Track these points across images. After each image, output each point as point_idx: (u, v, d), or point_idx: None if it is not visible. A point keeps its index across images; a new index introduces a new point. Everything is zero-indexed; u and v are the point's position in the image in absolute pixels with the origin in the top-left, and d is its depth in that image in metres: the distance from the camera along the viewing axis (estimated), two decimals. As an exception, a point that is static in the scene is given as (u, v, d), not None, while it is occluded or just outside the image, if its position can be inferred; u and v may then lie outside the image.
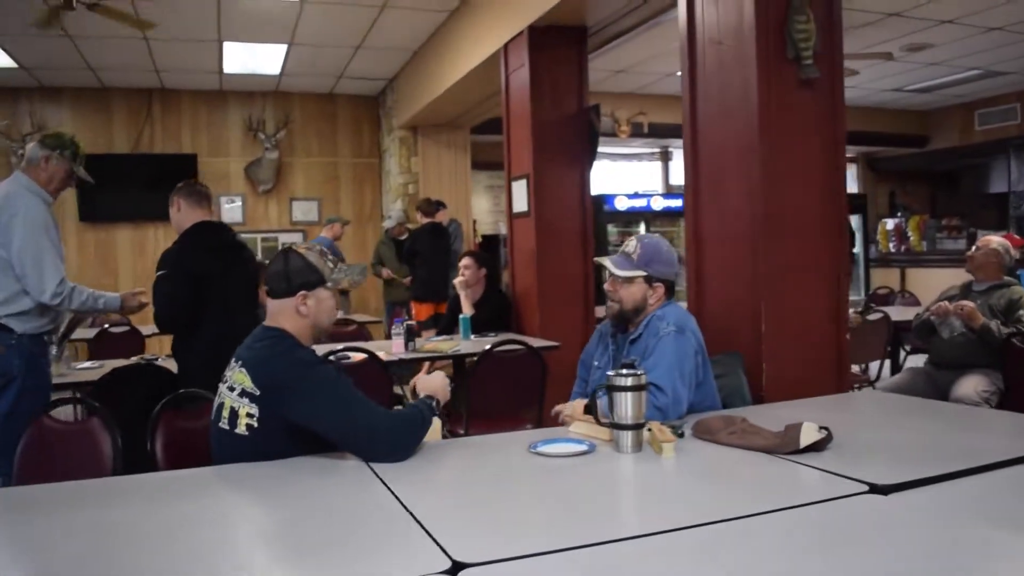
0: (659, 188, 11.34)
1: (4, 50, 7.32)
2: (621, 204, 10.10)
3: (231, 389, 2.29)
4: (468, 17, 6.46)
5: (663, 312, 2.73)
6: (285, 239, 9.38)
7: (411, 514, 1.71)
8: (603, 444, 2.29)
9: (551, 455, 2.22)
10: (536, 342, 4.50)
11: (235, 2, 6.33)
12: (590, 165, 5.45)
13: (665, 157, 11.42)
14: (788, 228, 3.21)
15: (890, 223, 11.43)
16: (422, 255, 7.41)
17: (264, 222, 9.40)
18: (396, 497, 1.84)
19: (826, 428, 2.15)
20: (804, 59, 3.18)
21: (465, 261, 5.64)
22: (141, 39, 7.13)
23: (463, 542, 1.52)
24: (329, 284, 2.39)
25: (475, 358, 4.19)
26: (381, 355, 4.65)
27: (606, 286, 2.81)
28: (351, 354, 3.93)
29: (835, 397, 3.04)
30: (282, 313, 2.37)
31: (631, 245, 2.78)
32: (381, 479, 2.01)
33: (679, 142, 10.53)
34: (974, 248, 4.58)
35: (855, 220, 11.35)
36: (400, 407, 2.59)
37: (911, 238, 11.03)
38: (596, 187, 10.57)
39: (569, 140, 5.36)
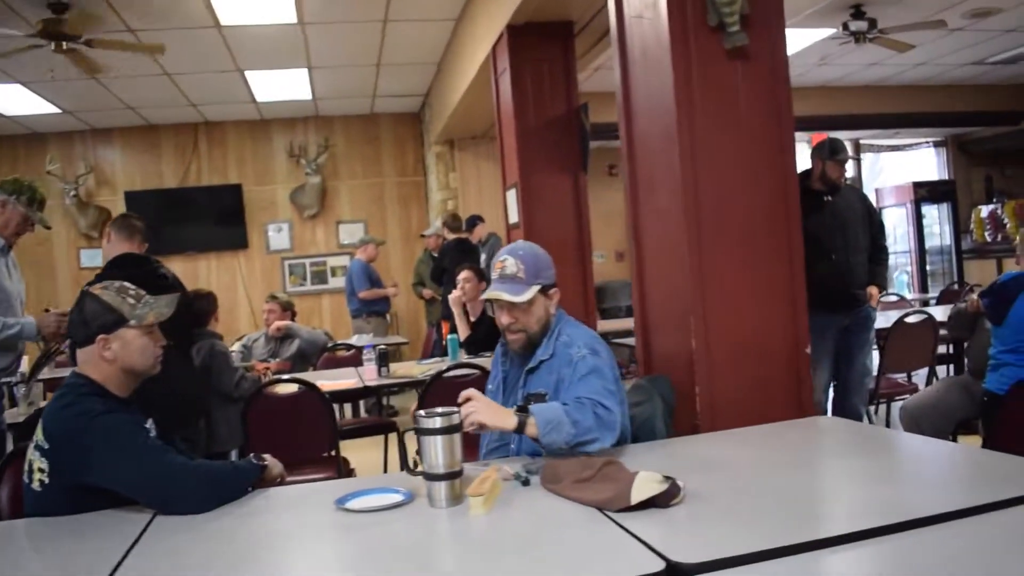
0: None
1: (41, 96, 7.56)
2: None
3: (33, 441, 2.11)
4: (467, 25, 6.21)
5: (568, 335, 2.40)
6: (333, 263, 9.36)
7: None
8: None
9: (355, 511, 1.91)
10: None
11: (238, 31, 6.28)
12: (584, 169, 5.07)
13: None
14: (725, 227, 2.78)
15: (985, 210, 10.42)
16: (450, 272, 7.17)
17: (312, 247, 9.41)
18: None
19: (671, 479, 1.75)
20: (729, 25, 2.74)
21: (464, 274, 5.36)
22: (163, 75, 7.24)
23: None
24: (132, 322, 2.17)
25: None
26: (349, 383, 4.45)
27: (502, 319, 2.47)
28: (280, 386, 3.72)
29: (777, 426, 2.55)
30: (88, 362, 2.17)
31: (510, 264, 2.41)
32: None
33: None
34: (1031, 234, 3.98)
35: (943, 209, 10.44)
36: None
37: (1007, 225, 10.00)
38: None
39: (558, 144, 5.00)
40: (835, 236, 4.53)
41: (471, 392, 2.14)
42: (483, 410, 2.10)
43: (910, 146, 11.49)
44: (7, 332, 3.46)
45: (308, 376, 4.58)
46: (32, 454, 2.08)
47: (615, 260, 10.11)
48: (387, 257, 9.30)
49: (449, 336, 4.93)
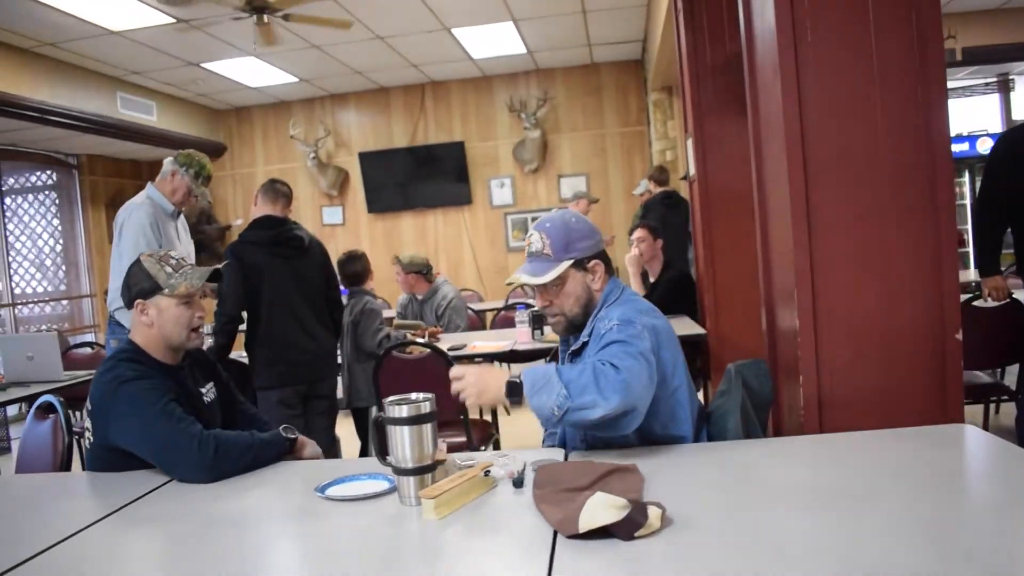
0: (997, 126, 9.16)
1: (277, 67, 8.14)
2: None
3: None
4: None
5: (606, 312, 2.09)
6: (556, 217, 9.28)
7: None
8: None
9: (335, 498, 1.78)
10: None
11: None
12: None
13: (1005, 87, 9.17)
14: (843, 181, 2.25)
15: None
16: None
17: (533, 201, 9.38)
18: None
19: (637, 503, 1.43)
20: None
21: (639, 233, 5.04)
22: (377, 39, 7.48)
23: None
24: (165, 291, 2.19)
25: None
26: (499, 346, 4.34)
27: (537, 304, 2.23)
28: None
29: (902, 432, 2.00)
30: (134, 326, 2.26)
31: (535, 240, 2.15)
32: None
33: (1021, 66, 8.53)
34: None
35: None
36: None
37: None
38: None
39: (735, 87, 4.45)
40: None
41: (460, 369, 1.91)
42: (472, 387, 1.88)
43: None
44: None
45: (461, 337, 4.53)
46: (87, 416, 2.19)
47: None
48: (608, 211, 9.06)
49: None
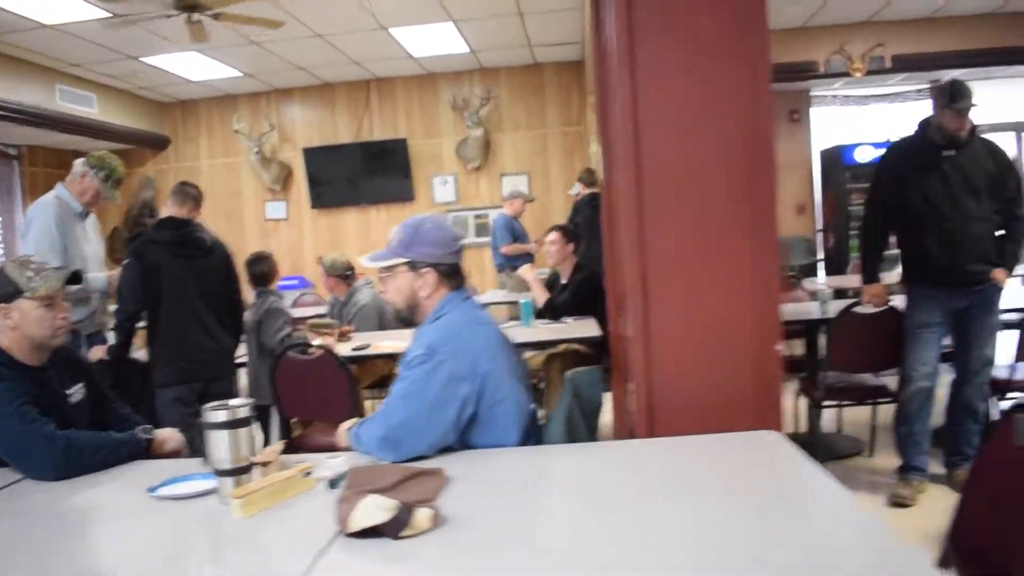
0: (929, 131, 9.37)
1: (219, 61, 8.17)
2: (863, 155, 8.55)
3: None
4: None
5: (427, 328, 2.23)
6: (496, 215, 9.39)
7: None
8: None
9: (163, 497, 1.89)
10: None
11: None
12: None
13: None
14: (676, 190, 2.37)
15: None
16: (580, 229, 6.93)
17: (476, 199, 9.50)
18: None
19: (406, 506, 1.55)
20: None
21: (552, 235, 5.18)
22: (316, 37, 7.54)
23: None
24: (27, 294, 2.28)
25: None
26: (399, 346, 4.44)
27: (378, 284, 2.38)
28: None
29: (711, 439, 2.12)
30: (0, 330, 2.33)
31: (391, 232, 2.31)
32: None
33: (955, 73, 8.74)
34: None
35: None
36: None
37: None
38: (833, 137, 9.18)
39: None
40: (948, 200, 3.84)
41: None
42: (338, 435, 2.29)
43: None
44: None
45: (369, 337, 4.64)
46: None
47: (795, 213, 9.28)
48: (548, 210, 9.18)
49: (523, 301, 4.77)
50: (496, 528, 1.59)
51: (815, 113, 9.45)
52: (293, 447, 3.27)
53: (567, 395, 2.30)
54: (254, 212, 9.62)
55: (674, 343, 2.39)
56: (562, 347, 4.44)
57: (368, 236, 9.50)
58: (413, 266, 2.25)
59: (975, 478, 1.83)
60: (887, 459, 4.23)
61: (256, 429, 1.88)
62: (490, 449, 2.13)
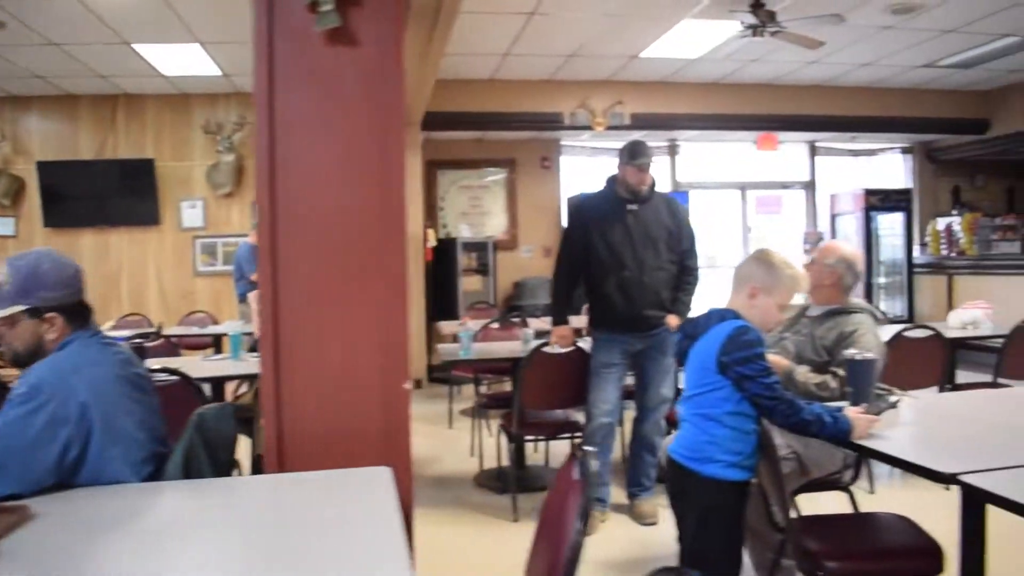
0: (667, 186, 10.24)
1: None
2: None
3: None
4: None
5: (35, 366, 2.12)
6: (241, 243, 9.16)
7: None
8: None
9: None
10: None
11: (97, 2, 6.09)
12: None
13: (672, 151, 10.30)
14: (314, 236, 2.48)
15: (942, 223, 9.83)
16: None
17: (226, 226, 9.22)
18: None
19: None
20: (321, 4, 2.42)
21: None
22: (52, 45, 7.09)
23: None
24: None
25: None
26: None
27: None
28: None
29: (330, 474, 2.21)
30: None
31: (1, 274, 2.15)
32: None
33: (690, 134, 9.61)
34: (809, 259, 3.60)
35: (899, 219, 9.89)
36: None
37: (962, 240, 9.40)
38: (580, 185, 9.78)
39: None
40: (629, 250, 4.20)
41: None
42: None
43: (873, 151, 10.91)
44: None
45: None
46: None
47: (543, 255, 9.76)
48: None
49: (232, 334, 4.69)
50: (44, 564, 1.56)
51: (564, 161, 10.01)
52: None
53: (188, 432, 2.29)
54: (-24, 228, 8.82)
55: (303, 383, 2.46)
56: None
57: (107, 259, 8.95)
58: (36, 312, 2.14)
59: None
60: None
61: None
62: (95, 487, 2.07)
